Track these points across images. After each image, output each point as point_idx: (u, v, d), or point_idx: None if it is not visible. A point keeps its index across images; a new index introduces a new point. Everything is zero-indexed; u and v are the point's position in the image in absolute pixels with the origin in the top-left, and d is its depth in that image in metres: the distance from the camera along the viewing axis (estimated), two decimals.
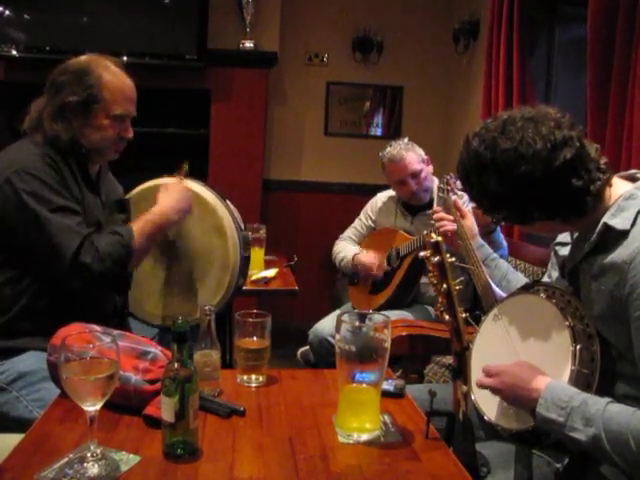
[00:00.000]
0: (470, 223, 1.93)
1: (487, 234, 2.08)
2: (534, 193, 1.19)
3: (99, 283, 1.61)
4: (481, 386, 1.27)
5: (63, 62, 1.71)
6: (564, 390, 1.13)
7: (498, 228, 2.20)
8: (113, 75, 1.69)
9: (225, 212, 1.85)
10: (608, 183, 1.22)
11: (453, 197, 2.01)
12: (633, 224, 1.16)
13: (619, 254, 1.15)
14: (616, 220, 1.18)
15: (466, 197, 2.07)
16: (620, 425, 1.05)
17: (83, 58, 1.72)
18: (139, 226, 1.67)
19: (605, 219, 1.19)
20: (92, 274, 1.56)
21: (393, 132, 4.23)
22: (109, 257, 1.57)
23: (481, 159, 1.22)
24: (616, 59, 2.17)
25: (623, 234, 1.16)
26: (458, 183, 1.99)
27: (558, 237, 1.45)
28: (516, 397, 1.20)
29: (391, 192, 2.90)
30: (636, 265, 1.10)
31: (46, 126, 1.65)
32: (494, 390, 1.24)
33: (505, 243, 2.34)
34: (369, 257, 2.78)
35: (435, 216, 2.03)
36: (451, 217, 1.96)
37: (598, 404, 1.09)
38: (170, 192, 1.77)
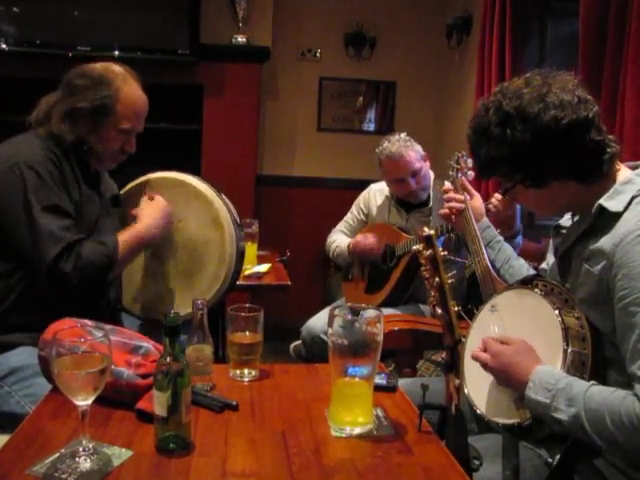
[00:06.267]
0: (478, 204, 1.88)
1: (510, 238, 2.03)
2: (558, 143, 1.18)
3: (76, 290, 1.59)
4: (475, 359, 1.27)
5: (82, 63, 1.71)
6: (552, 374, 1.15)
7: (520, 235, 2.12)
8: (130, 89, 1.70)
9: (221, 205, 1.84)
10: (617, 157, 1.24)
11: (461, 177, 1.95)
12: (626, 208, 1.18)
13: (609, 237, 1.16)
14: (611, 203, 1.20)
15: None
16: (598, 403, 1.08)
17: (104, 65, 1.72)
18: (124, 238, 1.68)
19: (601, 201, 1.21)
20: (69, 282, 1.56)
21: (386, 128, 4.22)
22: (91, 265, 1.58)
23: (506, 109, 1.20)
24: (607, 54, 2.18)
25: (616, 217, 1.18)
26: (469, 162, 1.93)
27: (559, 220, 1.44)
28: (507, 379, 1.22)
29: (384, 185, 2.83)
30: (623, 247, 1.12)
31: (53, 124, 1.65)
32: (487, 367, 1.25)
33: (521, 241, 2.20)
34: (366, 237, 2.75)
35: (445, 196, 1.94)
36: (461, 197, 1.87)
37: (581, 385, 1.12)
38: (152, 206, 1.79)
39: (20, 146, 1.63)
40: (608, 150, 1.21)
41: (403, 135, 2.67)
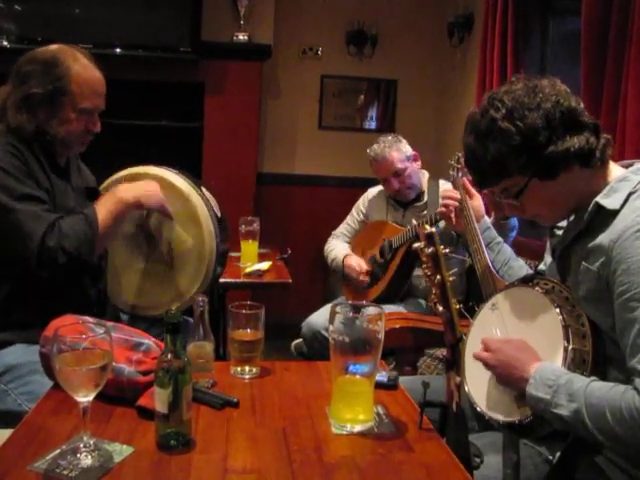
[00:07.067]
0: (478, 204, 1.89)
1: (504, 219, 2.05)
2: (565, 124, 1.19)
3: (67, 265, 1.54)
4: (477, 358, 1.28)
5: (30, 50, 1.67)
6: (553, 370, 1.16)
7: (515, 217, 2.12)
8: (82, 68, 1.65)
9: (199, 200, 1.81)
10: (611, 146, 1.25)
11: (462, 177, 1.97)
12: (623, 205, 1.18)
13: (607, 234, 1.17)
14: (608, 200, 1.20)
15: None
16: (599, 398, 1.09)
17: (52, 48, 1.67)
18: (102, 204, 1.64)
19: (597, 199, 1.22)
20: (57, 258, 1.52)
21: (387, 126, 4.23)
22: (73, 235, 1.54)
23: (508, 104, 1.21)
24: (610, 52, 2.17)
25: (613, 214, 1.19)
26: None
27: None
28: (508, 376, 1.23)
29: (382, 187, 2.91)
30: (621, 243, 1.13)
31: (10, 116, 1.61)
32: (488, 365, 1.26)
33: (517, 224, 2.23)
34: (357, 264, 2.80)
35: (445, 194, 2.00)
36: (457, 195, 1.92)
37: (582, 381, 1.12)
38: (141, 181, 1.77)
39: None
40: (602, 135, 1.23)
41: (391, 137, 2.76)
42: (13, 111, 1.61)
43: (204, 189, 1.87)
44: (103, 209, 1.63)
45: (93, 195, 1.83)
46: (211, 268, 1.82)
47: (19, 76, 1.63)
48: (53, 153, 1.70)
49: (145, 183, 1.76)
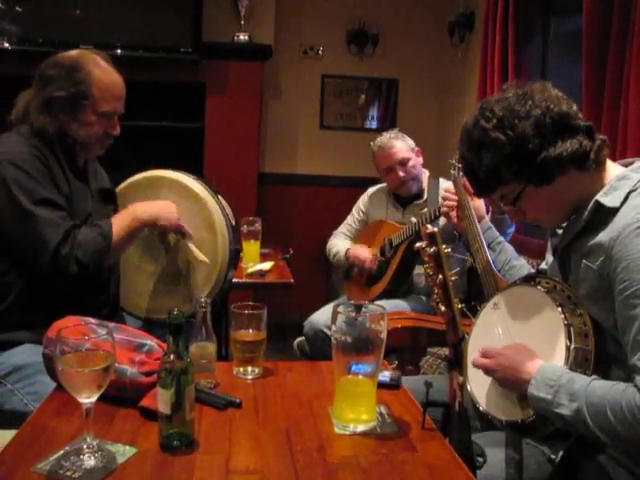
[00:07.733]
0: (479, 204, 1.91)
1: (500, 214, 2.08)
2: (556, 129, 1.20)
3: (78, 274, 1.58)
4: (476, 366, 1.28)
5: (53, 55, 1.70)
6: (554, 370, 1.16)
7: None
8: (103, 72, 1.69)
9: (215, 207, 1.83)
10: (607, 147, 1.25)
11: (462, 176, 1.99)
12: (623, 203, 1.19)
13: (607, 232, 1.18)
14: (607, 198, 1.21)
15: None
16: (599, 397, 1.09)
17: (74, 52, 1.71)
18: (119, 219, 1.68)
19: (597, 197, 1.22)
20: (68, 266, 1.55)
21: (388, 125, 4.22)
22: (86, 246, 1.57)
23: (498, 113, 1.23)
24: (611, 50, 2.17)
25: (613, 212, 1.19)
26: None
27: None
28: (509, 379, 1.23)
29: (382, 185, 2.94)
30: (621, 240, 1.13)
31: (33, 118, 1.65)
32: (488, 371, 1.26)
33: None
34: (362, 251, 2.81)
35: (444, 194, 2.04)
36: (454, 196, 1.96)
37: (583, 380, 1.13)
38: (159, 201, 1.80)
39: (4, 146, 1.62)
40: (596, 137, 1.24)
41: (395, 130, 2.86)
42: (36, 113, 1.65)
43: (220, 197, 1.88)
44: (119, 225, 1.67)
45: (108, 196, 1.86)
46: (223, 273, 1.84)
47: (42, 79, 1.67)
48: (74, 155, 1.73)
49: (163, 203, 1.79)
